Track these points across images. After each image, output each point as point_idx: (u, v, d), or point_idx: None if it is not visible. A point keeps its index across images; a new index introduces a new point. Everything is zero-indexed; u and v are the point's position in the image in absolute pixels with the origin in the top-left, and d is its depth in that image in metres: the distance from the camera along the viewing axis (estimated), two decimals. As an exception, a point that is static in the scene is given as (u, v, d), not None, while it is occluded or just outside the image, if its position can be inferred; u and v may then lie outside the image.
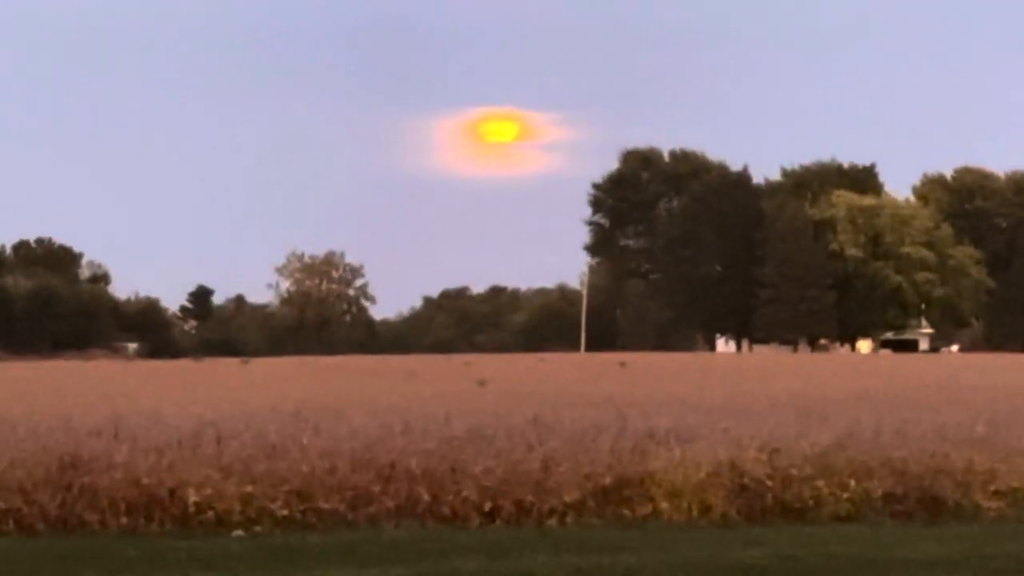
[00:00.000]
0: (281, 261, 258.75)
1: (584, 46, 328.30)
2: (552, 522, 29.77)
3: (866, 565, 23.70)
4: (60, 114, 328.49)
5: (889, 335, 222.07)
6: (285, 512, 29.30)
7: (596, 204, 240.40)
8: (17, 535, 27.94)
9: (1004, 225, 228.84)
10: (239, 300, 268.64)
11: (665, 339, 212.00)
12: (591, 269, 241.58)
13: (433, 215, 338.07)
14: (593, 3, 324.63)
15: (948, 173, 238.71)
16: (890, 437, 34.59)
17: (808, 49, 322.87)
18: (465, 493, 30.16)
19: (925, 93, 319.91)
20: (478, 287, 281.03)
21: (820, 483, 31.37)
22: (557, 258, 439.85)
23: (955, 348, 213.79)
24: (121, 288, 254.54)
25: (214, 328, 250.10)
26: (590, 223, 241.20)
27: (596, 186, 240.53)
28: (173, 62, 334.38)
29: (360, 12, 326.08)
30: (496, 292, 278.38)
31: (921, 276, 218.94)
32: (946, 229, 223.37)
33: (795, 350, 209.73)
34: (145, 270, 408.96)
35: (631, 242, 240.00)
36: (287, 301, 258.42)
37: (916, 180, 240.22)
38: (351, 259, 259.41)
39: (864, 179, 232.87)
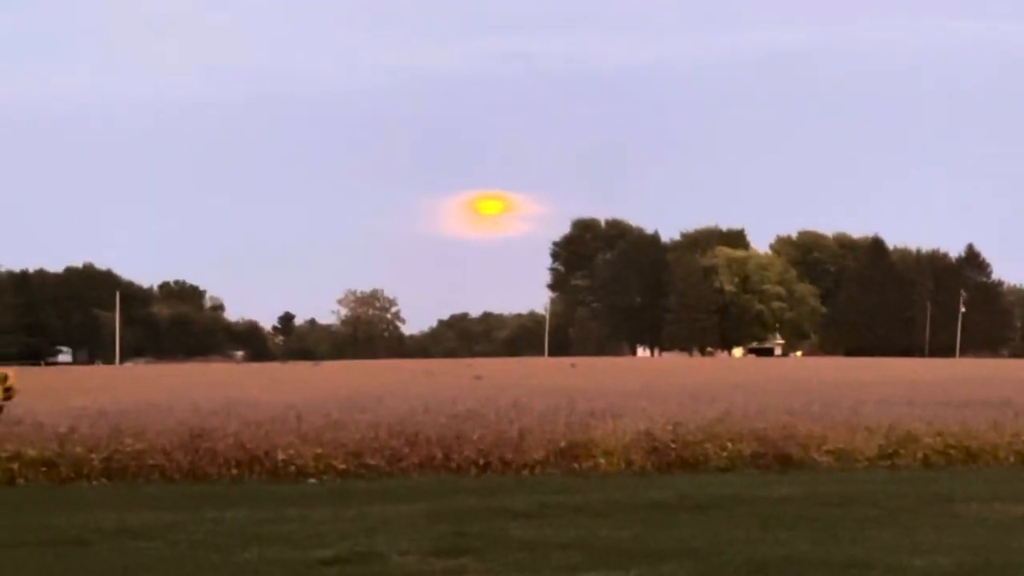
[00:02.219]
0: (341, 295, 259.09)
1: (550, 147, 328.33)
2: (525, 473, 29.73)
3: (738, 501, 23.69)
4: (190, 191, 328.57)
5: (754, 344, 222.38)
6: (344, 466, 29.26)
7: (555, 256, 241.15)
8: (161, 483, 27.91)
9: (832, 270, 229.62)
10: (312, 322, 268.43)
11: (602, 348, 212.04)
12: (552, 301, 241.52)
13: (445, 264, 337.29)
14: (555, 118, 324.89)
15: (794, 234, 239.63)
16: (755, 413, 34.59)
17: (698, 146, 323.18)
18: (466, 452, 30.13)
19: (779, 178, 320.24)
20: (475, 312, 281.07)
21: (708, 445, 31.35)
22: (529, 292, 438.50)
23: (799, 354, 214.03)
24: (232, 314, 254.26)
25: (295, 341, 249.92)
26: (551, 269, 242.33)
27: (555, 244, 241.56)
28: (277, 160, 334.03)
29: (395, 125, 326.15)
30: (488, 316, 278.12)
31: (776, 305, 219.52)
32: (792, 272, 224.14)
33: (691, 355, 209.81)
34: (248, 301, 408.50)
35: (579, 282, 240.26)
36: (345, 322, 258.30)
37: (772, 239, 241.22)
38: (389, 293, 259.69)
39: (736, 238, 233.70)
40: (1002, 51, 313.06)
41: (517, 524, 20.22)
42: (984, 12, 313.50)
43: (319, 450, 29.41)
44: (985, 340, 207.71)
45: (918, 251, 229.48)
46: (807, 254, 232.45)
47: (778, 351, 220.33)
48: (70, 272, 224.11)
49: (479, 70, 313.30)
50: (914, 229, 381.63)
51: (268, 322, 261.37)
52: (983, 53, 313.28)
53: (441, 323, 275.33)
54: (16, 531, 19.47)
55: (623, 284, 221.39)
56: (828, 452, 31.88)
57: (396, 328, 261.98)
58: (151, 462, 28.59)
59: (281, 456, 29.09)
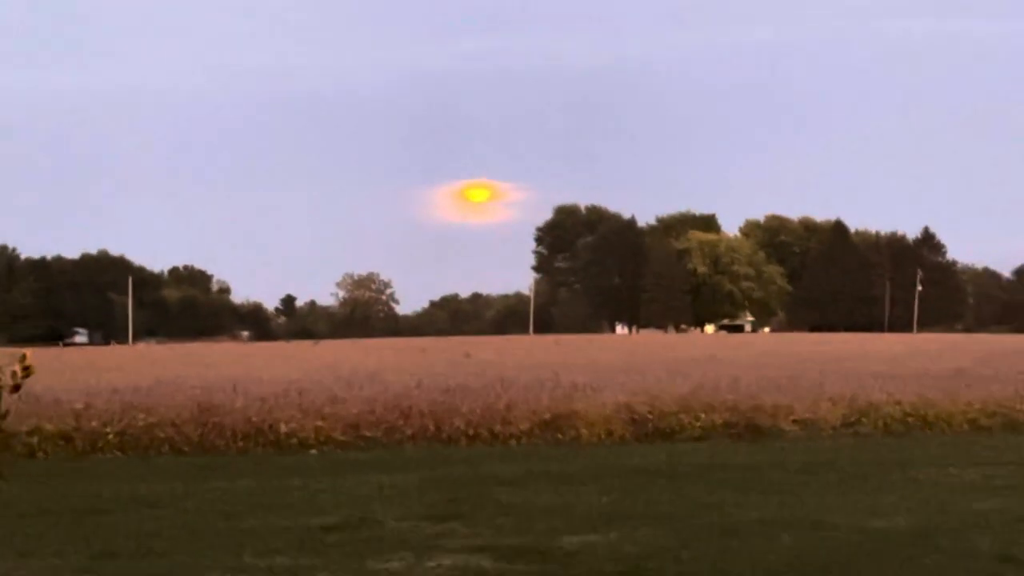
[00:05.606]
0: (339, 278, 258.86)
1: (533, 138, 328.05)
2: (512, 443, 29.75)
3: (711, 468, 23.75)
4: (198, 181, 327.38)
5: (725, 322, 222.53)
6: (343, 438, 29.26)
7: (539, 240, 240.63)
8: (171, 455, 27.89)
9: (797, 251, 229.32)
10: (312, 304, 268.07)
11: (584, 326, 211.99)
12: (536, 282, 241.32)
13: (436, 248, 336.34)
14: (538, 110, 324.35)
15: (761, 219, 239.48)
16: (726, 386, 34.66)
17: (672, 136, 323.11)
18: (457, 424, 30.13)
19: (748, 166, 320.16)
20: (465, 293, 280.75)
21: (682, 416, 31.39)
22: (515, 274, 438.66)
23: (767, 330, 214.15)
24: (238, 296, 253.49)
25: (297, 322, 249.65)
26: (535, 252, 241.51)
27: (539, 229, 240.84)
28: (280, 152, 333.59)
29: (390, 119, 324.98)
30: (476, 297, 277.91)
31: (745, 284, 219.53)
32: (761, 254, 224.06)
33: (666, 332, 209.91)
34: (253, 284, 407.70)
35: (562, 265, 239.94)
36: (343, 304, 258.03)
37: (741, 223, 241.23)
38: (384, 276, 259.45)
39: (708, 223, 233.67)
40: (957, 45, 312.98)
41: (503, 491, 20.24)
42: (943, 9, 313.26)
43: (320, 423, 29.41)
44: (940, 316, 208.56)
45: (877, 234, 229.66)
46: (774, 237, 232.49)
47: (748, 328, 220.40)
48: (86, 258, 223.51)
49: (467, 66, 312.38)
50: (874, 213, 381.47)
51: (271, 304, 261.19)
52: (939, 48, 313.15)
53: (433, 304, 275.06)
54: (38, 501, 19.50)
55: (603, 266, 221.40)
56: (795, 422, 31.93)
57: (391, 309, 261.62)
58: (162, 435, 28.57)
59: (284, 429, 29.09)
